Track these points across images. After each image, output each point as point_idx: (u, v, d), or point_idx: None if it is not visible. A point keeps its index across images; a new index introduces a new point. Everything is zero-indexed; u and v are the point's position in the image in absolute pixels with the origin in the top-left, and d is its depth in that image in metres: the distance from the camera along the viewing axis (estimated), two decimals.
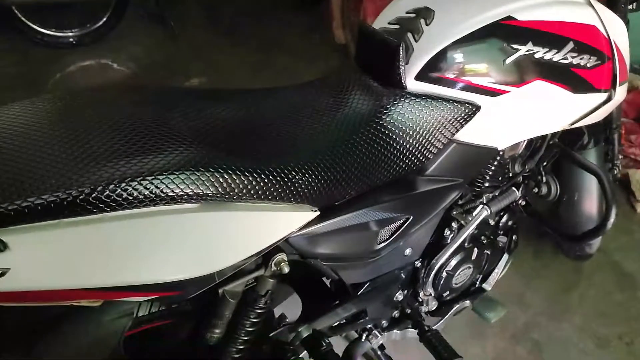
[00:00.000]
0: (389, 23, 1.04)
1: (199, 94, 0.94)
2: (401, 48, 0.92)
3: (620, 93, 1.17)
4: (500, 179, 1.23)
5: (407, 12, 1.02)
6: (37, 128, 0.71)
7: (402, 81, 0.95)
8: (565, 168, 1.53)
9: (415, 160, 0.98)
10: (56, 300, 0.67)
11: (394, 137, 0.94)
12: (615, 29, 1.10)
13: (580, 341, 1.65)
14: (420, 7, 1.01)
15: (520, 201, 1.39)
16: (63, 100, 0.82)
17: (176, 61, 3.07)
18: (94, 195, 0.63)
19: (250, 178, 0.76)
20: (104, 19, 3.07)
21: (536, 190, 1.41)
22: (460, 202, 1.18)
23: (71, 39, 3.06)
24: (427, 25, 0.98)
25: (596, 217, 1.59)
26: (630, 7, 1.38)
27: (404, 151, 0.95)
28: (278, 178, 0.79)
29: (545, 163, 1.39)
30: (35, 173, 0.62)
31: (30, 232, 0.61)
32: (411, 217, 1.02)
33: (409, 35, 0.98)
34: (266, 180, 0.77)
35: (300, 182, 0.82)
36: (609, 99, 1.13)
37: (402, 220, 1.02)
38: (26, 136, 0.69)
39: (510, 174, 1.25)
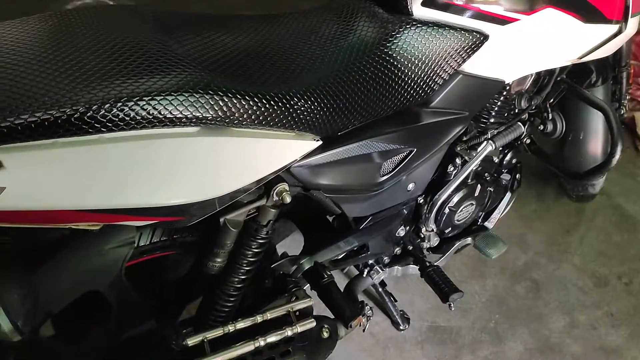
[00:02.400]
0: None
1: (200, 18, 0.91)
2: None
3: (633, 25, 1.13)
4: (505, 114, 1.21)
5: None
6: (29, 46, 0.69)
7: (409, 7, 0.92)
8: (571, 106, 1.50)
9: (420, 91, 0.95)
10: (54, 222, 0.67)
11: (399, 66, 0.91)
12: None
13: (579, 280, 1.67)
14: None
15: (525, 139, 1.37)
16: (57, 18, 0.79)
17: None
18: (89, 114, 0.61)
19: (252, 103, 0.74)
20: None
21: (542, 127, 1.39)
22: (464, 138, 1.16)
23: None
24: None
25: (601, 156, 1.58)
26: None
27: (409, 81, 0.93)
28: (280, 104, 0.77)
29: (551, 100, 1.36)
30: (28, 91, 0.60)
31: (26, 151, 0.59)
32: (415, 150, 1.01)
33: None
34: (268, 106, 0.75)
35: (302, 109, 0.80)
36: (619, 32, 1.09)
37: (405, 153, 1.00)
38: (18, 54, 0.67)
39: (516, 110, 1.22)
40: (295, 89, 0.80)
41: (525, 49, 1.01)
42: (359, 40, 0.92)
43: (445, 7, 0.93)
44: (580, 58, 1.11)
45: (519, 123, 1.20)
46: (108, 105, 0.62)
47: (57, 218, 0.65)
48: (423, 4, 0.93)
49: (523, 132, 1.21)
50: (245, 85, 0.75)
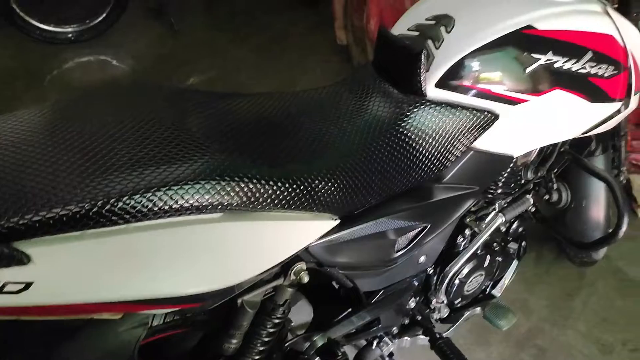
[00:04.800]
0: (409, 29, 1.03)
1: (218, 96, 0.92)
2: (423, 55, 0.91)
3: (634, 102, 1.17)
4: (512, 185, 1.22)
5: (427, 19, 1.01)
6: (55, 136, 0.69)
7: (423, 88, 0.94)
8: (572, 175, 1.53)
9: (434, 168, 0.97)
10: (78, 314, 0.65)
11: (413, 144, 0.93)
12: (631, 38, 1.10)
13: (585, 347, 1.65)
14: (440, 14, 1.00)
15: (531, 208, 1.39)
16: (77, 105, 0.80)
17: (177, 58, 3.03)
18: (119, 205, 0.61)
19: (275, 187, 0.74)
20: (104, 15, 3.03)
21: (547, 197, 1.41)
22: (473, 209, 1.17)
23: (70, 35, 3.02)
24: (447, 32, 0.97)
25: (603, 224, 1.60)
26: None
27: (423, 159, 0.95)
28: (302, 187, 0.78)
29: (556, 170, 1.39)
30: (59, 183, 0.61)
31: (54, 244, 0.59)
32: (429, 226, 1.02)
33: (429, 42, 0.97)
34: (290, 189, 0.76)
35: (323, 190, 0.81)
36: (623, 108, 1.13)
37: (419, 229, 1.01)
38: (46, 146, 0.67)
39: (523, 181, 1.24)
40: (315, 170, 0.81)
41: (533, 127, 1.04)
42: (375, 119, 0.94)
43: (458, 89, 0.96)
44: (584, 133, 1.14)
45: (527, 196, 1.22)
46: (138, 195, 0.62)
47: (81, 310, 0.64)
48: (437, 85, 0.95)
49: (531, 204, 1.22)
50: (268, 168, 0.76)
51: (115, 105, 0.81)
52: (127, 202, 0.61)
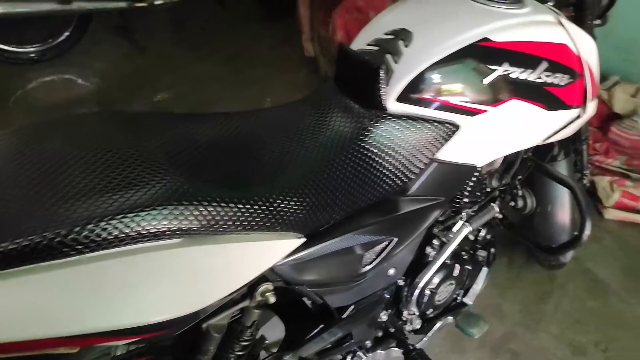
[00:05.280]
0: (368, 44, 1.03)
1: (178, 118, 0.91)
2: (382, 70, 0.92)
3: (592, 108, 1.19)
4: (478, 194, 1.24)
5: (386, 34, 1.02)
6: (5, 167, 0.67)
7: (383, 103, 0.95)
8: (537, 181, 1.56)
9: (398, 181, 0.97)
10: (31, 350, 0.63)
11: (376, 158, 0.94)
12: (585, 46, 1.13)
13: (558, 350, 1.67)
14: (398, 29, 1.01)
15: (497, 215, 1.40)
16: (30, 133, 0.78)
17: (143, 75, 2.99)
18: (71, 236, 0.60)
19: (236, 209, 0.73)
20: (67, 34, 2.98)
21: (513, 203, 1.43)
22: (441, 219, 1.18)
23: (32, 55, 2.95)
24: (406, 47, 0.98)
25: (569, 228, 1.63)
26: (596, 22, 1.42)
27: (387, 172, 0.95)
28: (264, 207, 0.77)
29: (520, 177, 1.41)
30: (6, 217, 0.59)
31: (4, 280, 0.57)
32: (396, 239, 1.02)
33: (389, 57, 0.98)
34: (252, 210, 0.75)
35: (286, 209, 0.80)
36: (581, 114, 1.15)
37: (386, 242, 1.01)
38: None
39: (488, 189, 1.26)
40: (277, 190, 0.80)
41: (494, 136, 1.06)
42: (337, 135, 0.94)
43: (418, 102, 0.96)
44: (545, 140, 1.16)
45: (492, 204, 1.23)
46: (91, 225, 0.61)
47: (35, 346, 0.62)
48: (397, 100, 0.96)
49: (497, 212, 1.24)
50: (228, 190, 0.75)
51: (71, 133, 0.79)
52: (80, 232, 0.60)
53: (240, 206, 0.74)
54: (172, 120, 0.90)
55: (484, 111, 0.99)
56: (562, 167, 1.57)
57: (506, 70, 0.98)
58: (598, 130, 2.46)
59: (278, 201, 0.79)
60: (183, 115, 0.93)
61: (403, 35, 1.00)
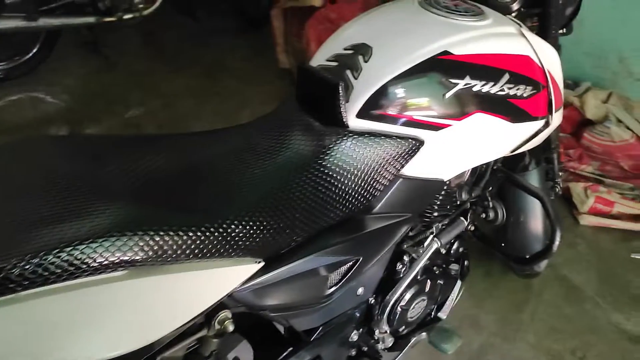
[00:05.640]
0: (327, 60, 1.01)
1: (130, 141, 0.88)
2: (341, 87, 0.90)
3: (557, 118, 1.19)
4: (448, 207, 1.22)
5: (345, 49, 1.00)
6: None
7: (344, 120, 0.93)
8: (509, 190, 1.55)
9: (362, 199, 0.95)
10: None
11: (338, 177, 0.91)
12: (548, 57, 1.12)
13: (535, 359, 1.66)
14: (358, 44, 1.00)
15: (469, 227, 1.39)
16: None
17: (113, 91, 2.94)
18: (2, 275, 0.56)
19: (186, 237, 0.70)
20: (34, 51, 2.92)
21: (484, 215, 1.42)
22: (410, 234, 1.16)
23: None
24: (365, 62, 0.97)
25: (542, 236, 1.62)
26: (561, 31, 1.43)
27: (350, 191, 0.93)
28: (216, 233, 0.74)
29: (490, 188, 1.40)
30: None
31: None
32: (361, 258, 0.99)
33: (348, 72, 0.96)
34: (203, 238, 0.72)
35: (241, 234, 0.77)
36: (546, 125, 1.15)
37: (352, 262, 0.98)
38: None
39: (458, 202, 1.25)
40: (231, 214, 0.77)
41: (459, 150, 1.04)
42: (296, 154, 0.91)
43: (380, 118, 0.95)
44: (513, 151, 1.15)
45: (462, 218, 1.22)
46: (23, 263, 0.57)
47: None
48: (358, 116, 0.94)
49: (466, 225, 1.22)
50: (178, 217, 0.72)
51: (14, 162, 0.75)
52: (11, 270, 0.56)
53: (191, 234, 0.71)
54: (118, 143, 0.86)
55: (448, 125, 0.98)
56: (533, 177, 1.57)
57: (468, 84, 0.97)
58: (571, 137, 2.49)
59: (232, 226, 0.76)
60: (132, 137, 0.90)
61: (362, 50, 0.98)
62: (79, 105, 2.84)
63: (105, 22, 2.88)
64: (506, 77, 1.01)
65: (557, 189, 1.67)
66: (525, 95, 1.05)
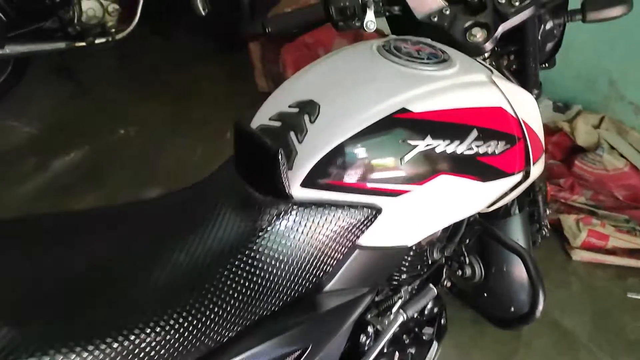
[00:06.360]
0: (270, 119, 0.89)
1: (32, 229, 0.76)
2: (281, 154, 0.78)
3: (537, 170, 1.07)
4: (419, 267, 1.11)
5: (290, 106, 0.88)
6: None
7: (287, 190, 0.80)
8: (489, 240, 1.43)
9: (312, 278, 0.83)
10: None
11: (279, 256, 0.79)
12: (523, 105, 1.00)
13: None
14: (304, 100, 0.87)
15: (446, 283, 1.28)
16: None
17: (85, 119, 2.82)
18: None
19: (74, 355, 0.58)
20: (3, 78, 2.81)
21: (460, 272, 1.30)
22: (376, 299, 1.04)
23: None
24: (311, 122, 0.84)
25: (528, 285, 1.50)
26: (542, 66, 1.32)
27: (295, 270, 0.81)
28: (120, 348, 0.62)
29: (467, 241, 1.28)
30: None
31: None
32: (310, 346, 0.87)
33: (292, 135, 0.84)
34: (102, 356, 0.60)
35: (154, 342, 0.65)
36: (526, 176, 1.03)
37: (298, 353, 0.86)
38: None
39: (430, 261, 1.13)
40: (143, 321, 0.65)
41: (424, 214, 0.92)
42: (231, 233, 0.79)
43: (328, 187, 0.82)
44: (488, 207, 1.03)
45: (430, 285, 1.09)
46: None
47: None
48: (303, 185, 0.82)
49: (435, 294, 1.10)
50: (70, 334, 0.60)
51: None
52: None
53: (86, 354, 0.58)
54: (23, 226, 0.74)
55: (408, 191, 0.86)
56: (517, 222, 1.45)
57: (429, 145, 0.85)
58: (562, 164, 2.36)
59: (143, 335, 0.64)
60: (44, 221, 0.78)
61: (308, 108, 0.86)
62: (49, 134, 2.72)
63: (76, 47, 2.77)
64: (474, 134, 0.89)
65: (544, 232, 1.56)
66: (497, 151, 0.93)
